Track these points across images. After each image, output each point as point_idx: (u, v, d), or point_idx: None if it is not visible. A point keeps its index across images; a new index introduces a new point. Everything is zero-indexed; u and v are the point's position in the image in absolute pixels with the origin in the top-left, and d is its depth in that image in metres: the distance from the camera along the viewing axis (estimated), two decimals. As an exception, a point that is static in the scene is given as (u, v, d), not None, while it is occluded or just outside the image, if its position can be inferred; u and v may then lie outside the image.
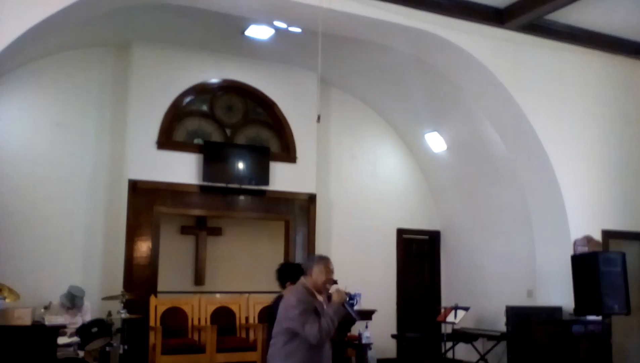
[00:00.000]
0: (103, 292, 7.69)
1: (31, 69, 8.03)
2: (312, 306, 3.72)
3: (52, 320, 6.77)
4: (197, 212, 8.89)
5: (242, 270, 9.59)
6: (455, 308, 8.11)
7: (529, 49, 7.67)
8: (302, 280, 3.88)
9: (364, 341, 7.44)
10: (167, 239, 8.74)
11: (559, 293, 7.54)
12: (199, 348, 7.79)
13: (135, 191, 8.19)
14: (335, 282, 3.94)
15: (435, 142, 9.78)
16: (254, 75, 9.09)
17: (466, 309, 8.15)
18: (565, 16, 7.37)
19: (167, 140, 8.49)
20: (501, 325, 7.74)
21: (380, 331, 8.50)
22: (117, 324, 7.10)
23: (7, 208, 7.72)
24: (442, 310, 8.51)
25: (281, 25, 7.53)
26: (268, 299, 8.73)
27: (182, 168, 8.50)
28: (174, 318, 8.06)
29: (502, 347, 8.00)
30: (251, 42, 8.34)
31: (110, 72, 8.54)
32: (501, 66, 7.48)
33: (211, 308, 8.36)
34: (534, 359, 7.01)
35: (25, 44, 6.00)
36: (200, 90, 8.83)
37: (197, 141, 8.76)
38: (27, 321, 6.54)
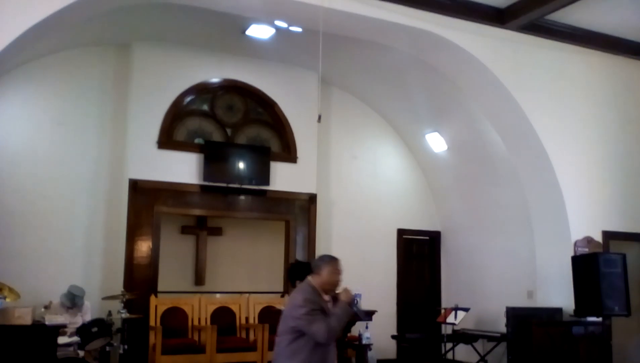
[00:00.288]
0: (103, 292, 7.69)
1: (32, 68, 8.03)
2: (319, 305, 3.71)
3: (52, 319, 6.75)
4: (197, 212, 8.88)
5: (242, 270, 9.58)
6: (456, 309, 8.10)
7: (530, 49, 7.66)
8: (309, 278, 3.86)
9: (364, 341, 7.44)
10: (168, 239, 8.73)
11: (559, 294, 7.54)
12: (199, 348, 7.79)
13: (136, 190, 8.19)
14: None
15: (436, 142, 9.77)
16: (254, 75, 9.09)
17: (466, 310, 8.14)
18: (566, 16, 7.36)
19: (167, 140, 8.49)
20: (501, 326, 7.73)
21: (380, 331, 8.50)
22: (117, 324, 7.09)
23: (7, 208, 7.72)
24: (442, 311, 8.51)
25: (282, 24, 7.53)
26: (268, 299, 8.80)
27: (183, 168, 8.50)
28: (174, 318, 8.06)
29: (502, 348, 7.99)
30: (252, 41, 8.34)
31: (110, 71, 8.54)
32: (502, 65, 7.48)
33: (211, 308, 8.36)
34: (534, 360, 7.00)
35: (26, 43, 6.00)
36: (201, 89, 8.83)
37: (198, 140, 8.76)
38: (28, 320, 6.53)
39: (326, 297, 3.86)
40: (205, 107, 8.97)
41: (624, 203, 8.07)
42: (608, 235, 7.87)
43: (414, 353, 9.45)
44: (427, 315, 9.73)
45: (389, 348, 9.35)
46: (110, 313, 7.08)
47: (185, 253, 9.38)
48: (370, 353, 7.84)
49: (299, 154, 9.23)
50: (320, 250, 9.17)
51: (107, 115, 8.46)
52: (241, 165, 8.85)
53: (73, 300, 7.24)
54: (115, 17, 7.22)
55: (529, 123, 7.58)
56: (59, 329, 6.46)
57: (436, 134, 9.69)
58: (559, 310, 7.46)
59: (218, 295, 8.89)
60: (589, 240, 7.67)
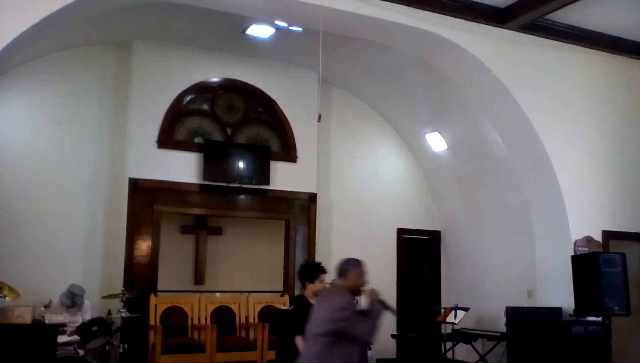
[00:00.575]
0: (103, 291, 7.69)
1: (32, 67, 8.03)
2: (355, 307, 3.81)
3: (52, 318, 6.76)
4: (197, 211, 8.88)
5: (242, 269, 9.58)
6: (455, 308, 8.10)
7: (530, 49, 7.66)
8: (338, 281, 3.91)
9: (363, 341, 7.42)
10: (168, 238, 8.73)
11: (559, 293, 7.53)
12: (199, 348, 7.80)
13: (136, 190, 8.19)
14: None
15: (436, 142, 9.77)
16: (254, 74, 9.09)
17: (466, 309, 8.14)
18: (566, 16, 7.36)
19: (167, 139, 8.49)
20: (501, 326, 7.73)
21: (379, 331, 8.47)
22: (117, 323, 7.08)
23: (7, 207, 7.73)
24: (442, 310, 8.51)
25: (282, 24, 7.53)
26: (268, 298, 8.80)
27: (183, 167, 8.50)
28: (174, 317, 8.07)
29: (501, 347, 7.99)
30: (252, 41, 8.34)
31: (110, 70, 8.54)
32: (502, 65, 7.47)
33: (211, 308, 8.37)
34: (533, 360, 7.00)
35: (27, 42, 6.00)
36: (201, 89, 8.83)
37: (198, 140, 8.76)
38: (27, 319, 6.53)
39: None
40: (205, 106, 8.97)
41: (624, 203, 8.07)
42: (608, 235, 7.87)
43: (413, 353, 9.45)
44: (426, 315, 9.73)
45: (389, 347, 9.35)
46: (110, 312, 7.07)
47: (185, 252, 9.38)
48: (370, 353, 7.82)
49: (299, 153, 9.23)
50: (320, 250, 9.18)
51: (107, 114, 8.47)
52: (241, 164, 8.85)
53: (73, 299, 7.24)
54: (115, 16, 7.23)
55: (529, 122, 7.58)
56: (59, 328, 6.48)
57: (436, 133, 9.69)
58: (558, 310, 7.46)
59: (218, 294, 8.90)
60: (588, 240, 7.68)
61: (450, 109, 9.14)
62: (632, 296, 7.19)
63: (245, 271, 9.58)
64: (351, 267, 3.94)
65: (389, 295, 9.80)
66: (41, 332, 6.21)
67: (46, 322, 6.61)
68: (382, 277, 9.78)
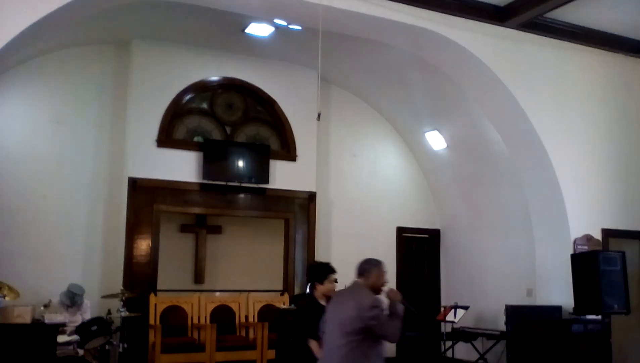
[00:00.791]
0: (103, 290, 7.69)
1: (31, 66, 8.02)
2: (383, 307, 3.81)
3: (51, 318, 6.77)
4: (197, 210, 8.87)
5: (241, 269, 9.58)
6: (455, 307, 8.11)
7: (530, 47, 7.66)
8: (360, 281, 3.91)
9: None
10: (167, 237, 8.73)
11: (558, 292, 7.54)
12: (199, 347, 7.79)
13: (135, 189, 8.18)
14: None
15: (436, 140, 9.77)
16: (254, 73, 9.08)
17: (466, 308, 8.15)
18: (566, 14, 7.36)
19: (167, 138, 8.48)
20: (501, 324, 7.73)
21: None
22: (117, 322, 7.09)
23: (6, 206, 7.71)
24: (442, 309, 8.52)
25: (281, 23, 7.52)
26: (268, 298, 8.80)
27: (182, 166, 8.49)
28: (174, 316, 8.07)
29: (501, 346, 7.99)
30: (251, 39, 8.33)
31: (110, 69, 8.53)
32: (501, 64, 7.47)
33: (211, 307, 8.36)
34: (533, 358, 7.00)
35: (25, 42, 6.00)
36: (200, 88, 8.82)
37: (197, 139, 8.75)
38: (27, 319, 6.54)
39: None
40: (205, 105, 8.96)
41: (623, 201, 8.08)
42: (607, 233, 7.88)
43: (413, 352, 9.45)
44: (426, 313, 9.72)
45: (389, 346, 9.30)
46: (109, 312, 7.07)
47: (185, 251, 9.37)
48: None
49: (298, 152, 9.23)
50: (320, 249, 9.18)
51: (106, 113, 8.45)
52: (240, 163, 8.84)
53: (73, 299, 7.23)
54: (114, 15, 7.21)
55: (528, 121, 7.57)
56: (59, 328, 6.49)
57: (436, 132, 9.69)
58: (558, 308, 7.46)
59: (217, 294, 8.89)
60: (588, 238, 7.68)
61: (450, 108, 9.13)
62: (631, 295, 7.21)
63: (245, 270, 9.57)
64: (372, 267, 3.94)
65: (389, 293, 9.81)
66: (41, 332, 6.21)
67: (46, 321, 6.62)
68: (382, 276, 9.81)
